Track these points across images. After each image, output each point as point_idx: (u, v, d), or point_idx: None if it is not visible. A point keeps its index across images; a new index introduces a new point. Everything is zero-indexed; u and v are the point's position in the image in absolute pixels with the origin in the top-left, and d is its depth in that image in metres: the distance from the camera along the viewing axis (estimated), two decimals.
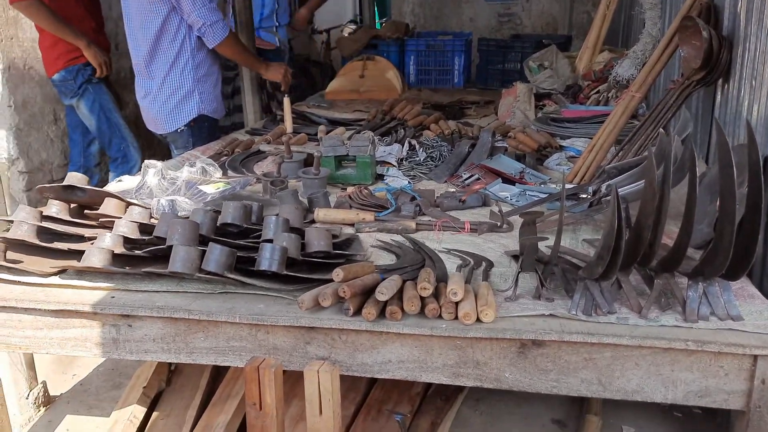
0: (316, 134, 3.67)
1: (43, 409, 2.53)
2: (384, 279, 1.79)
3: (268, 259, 1.83)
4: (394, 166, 3.05)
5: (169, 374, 2.58)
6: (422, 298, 1.73)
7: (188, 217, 2.05)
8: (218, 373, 2.53)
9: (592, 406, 2.29)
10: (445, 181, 2.92)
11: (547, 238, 2.02)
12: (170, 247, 1.85)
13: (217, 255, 1.81)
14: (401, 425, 1.99)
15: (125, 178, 2.91)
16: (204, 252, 1.83)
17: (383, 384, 2.44)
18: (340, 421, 1.73)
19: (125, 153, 4.20)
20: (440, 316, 1.71)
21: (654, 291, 1.69)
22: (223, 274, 1.81)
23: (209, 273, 1.81)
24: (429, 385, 2.49)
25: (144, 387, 2.39)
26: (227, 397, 2.33)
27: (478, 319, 1.68)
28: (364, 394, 2.42)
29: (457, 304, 1.71)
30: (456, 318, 1.69)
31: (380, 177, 2.95)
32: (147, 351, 1.89)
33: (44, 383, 2.55)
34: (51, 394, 2.59)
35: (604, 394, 1.66)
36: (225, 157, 3.26)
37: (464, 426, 2.35)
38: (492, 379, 1.71)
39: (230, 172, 3.04)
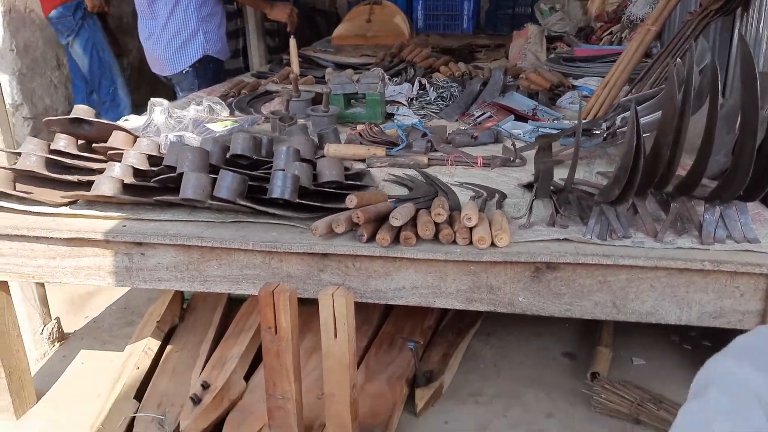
0: (323, 77, 3.62)
1: (57, 345, 2.55)
2: (397, 207, 1.78)
3: (280, 186, 1.81)
4: (404, 105, 3.01)
5: (182, 311, 2.60)
6: (436, 224, 1.72)
7: None
8: (230, 310, 2.55)
9: (603, 338, 2.30)
10: (457, 120, 2.88)
11: (562, 161, 1.99)
12: (181, 174, 1.84)
13: (228, 182, 1.79)
14: (414, 353, 2.01)
15: (132, 117, 2.88)
16: (215, 180, 1.81)
17: (395, 318, 2.46)
18: (354, 345, 1.74)
19: (114, 96, 4.18)
20: (454, 242, 1.70)
21: (670, 215, 1.67)
22: (235, 201, 1.79)
23: (221, 200, 1.80)
24: (441, 319, 2.50)
25: (158, 321, 2.40)
26: (240, 331, 2.35)
27: (492, 244, 1.67)
28: (376, 327, 2.44)
29: (471, 229, 1.69)
30: (470, 243, 1.68)
31: (390, 116, 2.91)
32: (161, 279, 1.89)
33: (58, 319, 2.57)
34: (65, 332, 2.62)
35: (617, 316, 1.65)
36: (231, 99, 3.22)
37: (476, 359, 2.37)
38: (505, 303, 1.71)
39: (237, 113, 3.00)
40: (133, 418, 2.02)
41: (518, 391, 2.18)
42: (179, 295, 2.63)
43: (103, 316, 2.79)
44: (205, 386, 2.03)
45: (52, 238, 1.87)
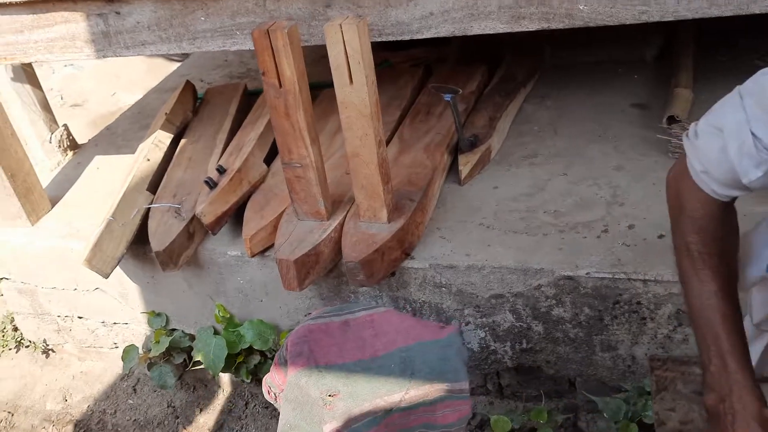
0: None
1: (70, 153, 2.37)
2: None
3: None
4: None
5: (196, 107, 2.34)
6: None
7: None
8: (248, 104, 2.27)
9: (681, 80, 1.92)
10: None
11: None
12: None
13: None
14: (452, 106, 1.70)
15: None
16: None
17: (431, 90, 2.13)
18: (375, 91, 1.44)
19: None
20: None
21: None
22: None
23: None
24: (485, 84, 2.17)
25: (167, 113, 2.16)
26: (258, 118, 2.08)
27: None
28: (409, 102, 2.13)
29: None
30: None
31: None
32: (144, 43, 1.60)
33: (66, 126, 2.36)
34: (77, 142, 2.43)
35: (709, 10, 1.27)
36: None
37: (529, 122, 2.05)
38: (562, 15, 1.35)
39: None
40: (148, 209, 1.83)
41: (580, 149, 1.87)
42: (191, 90, 2.37)
43: (116, 123, 2.57)
44: (221, 170, 1.80)
45: (11, 3, 1.58)
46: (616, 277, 1.48)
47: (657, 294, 1.47)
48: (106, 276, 1.72)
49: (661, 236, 1.55)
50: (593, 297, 1.51)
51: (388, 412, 1.10)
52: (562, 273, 1.51)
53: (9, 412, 2.07)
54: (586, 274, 1.49)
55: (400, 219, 1.59)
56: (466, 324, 1.64)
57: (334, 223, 1.62)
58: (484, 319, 1.62)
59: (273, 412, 1.92)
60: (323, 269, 1.61)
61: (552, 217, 1.66)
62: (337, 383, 1.09)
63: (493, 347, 1.66)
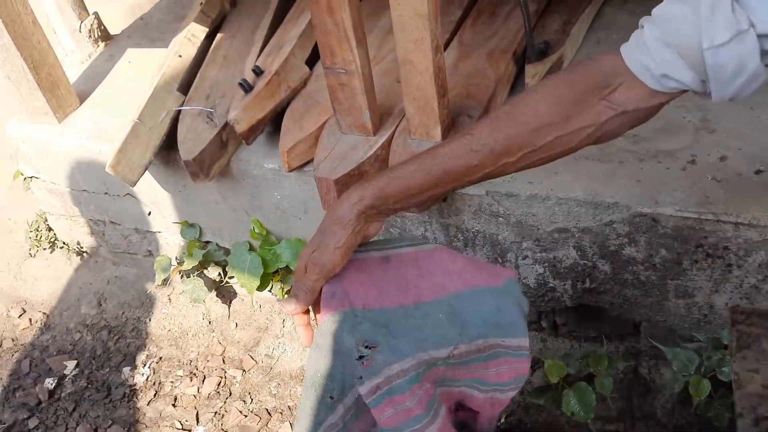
0: None
1: (102, 44, 2.20)
2: None
3: None
4: None
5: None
6: None
7: None
8: None
9: None
10: None
11: None
12: None
13: None
14: (522, 5, 1.45)
15: None
16: None
17: None
18: None
19: None
20: None
21: None
22: None
23: None
24: None
25: (201, 4, 1.95)
26: (300, 13, 1.86)
27: None
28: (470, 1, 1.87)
29: None
30: None
31: None
32: None
33: (96, 14, 2.18)
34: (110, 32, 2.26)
35: None
36: None
37: (607, 27, 1.78)
38: None
39: None
40: (178, 112, 1.67)
41: None
42: None
43: (150, 13, 2.38)
44: (258, 72, 1.61)
45: None
46: (702, 217, 1.27)
47: (749, 239, 1.27)
48: (133, 184, 1.60)
49: (758, 172, 1.32)
50: (672, 238, 1.32)
51: (432, 365, 0.96)
52: (639, 209, 1.31)
53: (44, 313, 2.04)
54: (668, 212, 1.29)
55: None
56: (524, 258, 1.48)
57: (381, 139, 1.44)
58: (544, 254, 1.45)
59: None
60: None
61: (630, 142, 1.44)
62: (375, 333, 0.94)
63: (551, 284, 1.50)
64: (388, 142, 1.44)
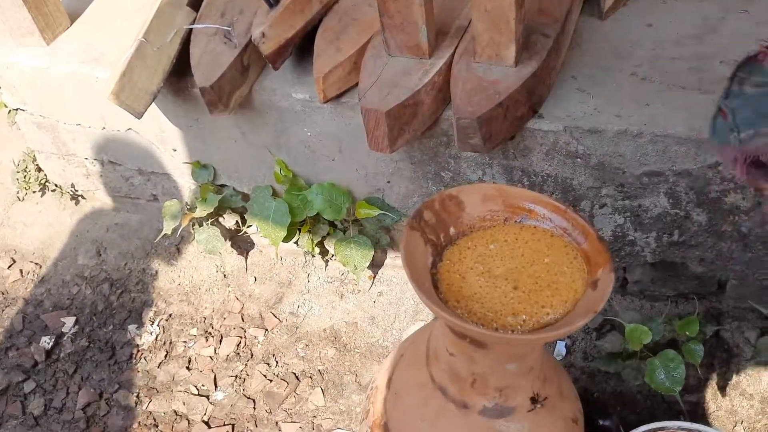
0: None
1: None
2: None
3: None
4: None
5: None
6: None
7: None
8: None
9: None
10: None
11: None
12: None
13: None
14: None
15: None
16: None
17: None
18: None
19: None
20: None
21: None
22: None
23: None
24: None
25: None
26: None
27: None
28: None
29: None
30: None
31: None
32: None
33: None
34: None
35: None
36: None
37: None
38: None
39: None
40: (189, 31, 1.42)
41: None
42: None
43: None
44: None
45: None
46: None
47: None
48: (139, 115, 1.35)
49: None
50: None
51: None
52: None
53: (37, 264, 1.82)
54: None
55: (531, 61, 1.16)
56: (601, 207, 1.26)
57: (439, 62, 1.20)
58: (626, 202, 1.24)
59: (339, 288, 1.63)
60: (422, 125, 1.22)
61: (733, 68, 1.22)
62: None
63: (631, 237, 1.29)
64: (447, 66, 1.20)
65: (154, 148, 1.63)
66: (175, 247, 1.79)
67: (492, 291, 0.80)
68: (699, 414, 1.29)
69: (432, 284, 0.80)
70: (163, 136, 1.59)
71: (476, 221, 0.87)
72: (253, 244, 1.72)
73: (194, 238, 1.66)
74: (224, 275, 1.71)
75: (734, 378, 1.31)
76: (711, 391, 1.31)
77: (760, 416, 1.27)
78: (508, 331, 0.76)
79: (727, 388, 1.31)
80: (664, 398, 1.31)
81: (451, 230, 0.86)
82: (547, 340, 0.72)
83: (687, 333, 1.23)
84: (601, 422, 0.94)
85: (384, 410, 0.94)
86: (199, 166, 1.59)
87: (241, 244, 1.72)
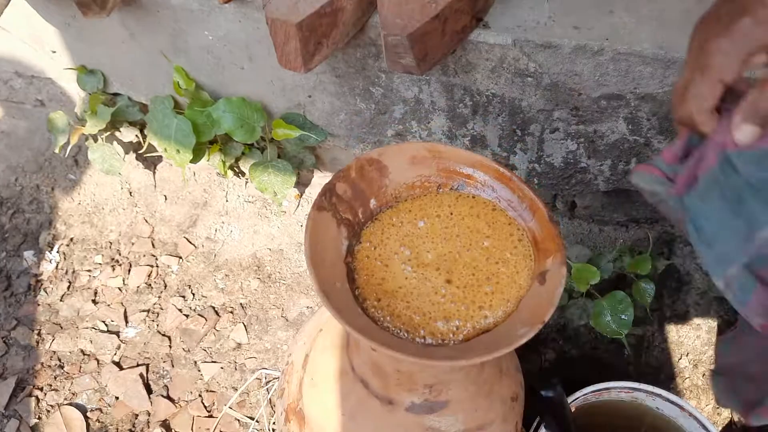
0: None
1: None
2: None
3: None
4: None
5: None
6: None
7: None
8: None
9: None
10: None
11: None
12: None
13: None
14: None
15: None
16: None
17: None
18: None
19: None
20: None
21: None
22: None
23: None
24: None
25: None
26: None
27: None
28: None
29: None
30: None
31: None
32: None
33: None
34: None
35: None
36: None
37: None
38: None
39: None
40: None
41: None
42: None
43: None
44: None
45: None
46: None
47: None
48: None
49: None
50: None
51: None
52: None
53: None
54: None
55: None
56: (552, 132, 1.10)
57: None
58: (581, 127, 1.08)
59: (262, 209, 1.46)
60: (344, 37, 1.00)
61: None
62: None
63: (583, 164, 1.15)
64: None
65: (30, 49, 1.36)
66: (72, 159, 1.56)
67: (420, 285, 0.65)
68: (644, 347, 1.23)
69: (347, 277, 0.65)
70: (37, 36, 1.31)
71: (403, 189, 0.70)
72: (161, 157, 1.52)
73: (90, 156, 1.43)
74: (130, 193, 1.52)
75: (682, 309, 1.24)
76: (658, 323, 1.24)
77: (706, 347, 1.22)
78: (438, 339, 0.63)
79: (676, 319, 1.24)
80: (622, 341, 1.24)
81: (372, 202, 0.69)
82: (480, 361, 0.59)
83: (638, 271, 1.13)
84: (543, 394, 0.86)
85: (300, 394, 0.81)
86: (85, 72, 1.34)
87: (147, 156, 1.51)
